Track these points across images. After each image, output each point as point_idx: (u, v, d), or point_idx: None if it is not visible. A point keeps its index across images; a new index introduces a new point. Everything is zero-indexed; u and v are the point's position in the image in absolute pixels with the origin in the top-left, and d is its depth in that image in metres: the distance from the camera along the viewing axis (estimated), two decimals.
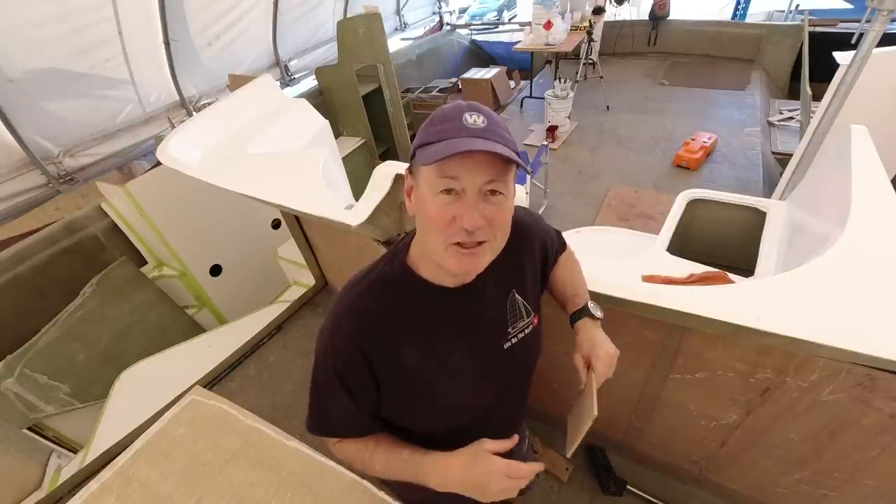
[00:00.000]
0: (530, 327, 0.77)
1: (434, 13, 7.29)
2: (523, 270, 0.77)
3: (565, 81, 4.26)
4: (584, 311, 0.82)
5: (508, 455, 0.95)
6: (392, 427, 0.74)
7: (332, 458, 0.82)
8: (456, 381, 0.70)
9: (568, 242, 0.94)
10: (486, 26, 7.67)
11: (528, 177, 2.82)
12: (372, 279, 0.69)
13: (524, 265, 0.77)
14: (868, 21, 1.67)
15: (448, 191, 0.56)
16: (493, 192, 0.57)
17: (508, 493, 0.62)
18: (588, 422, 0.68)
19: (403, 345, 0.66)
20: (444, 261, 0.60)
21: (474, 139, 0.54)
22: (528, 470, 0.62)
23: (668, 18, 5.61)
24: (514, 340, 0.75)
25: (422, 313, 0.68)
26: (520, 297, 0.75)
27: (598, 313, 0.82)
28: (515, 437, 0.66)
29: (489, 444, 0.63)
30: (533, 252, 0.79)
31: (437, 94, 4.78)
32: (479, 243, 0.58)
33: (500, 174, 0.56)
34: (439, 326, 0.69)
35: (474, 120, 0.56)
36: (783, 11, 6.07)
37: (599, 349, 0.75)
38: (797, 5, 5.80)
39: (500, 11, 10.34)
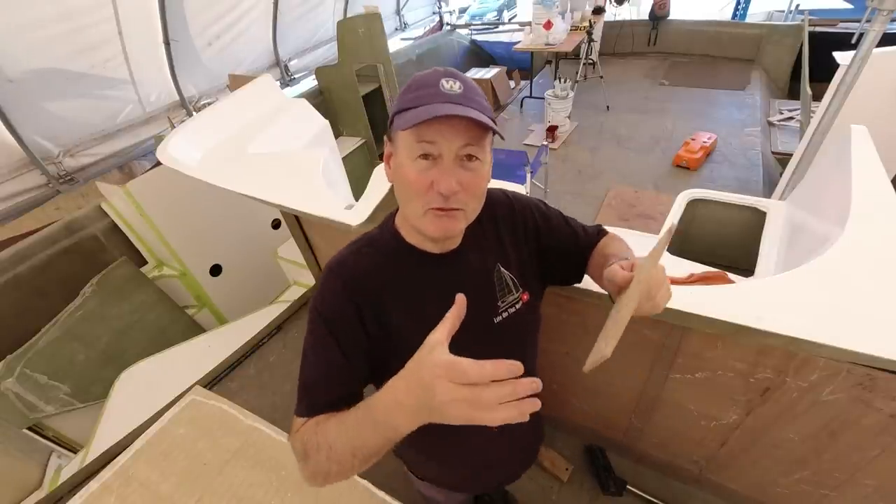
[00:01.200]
0: (520, 303, 0.76)
1: (434, 13, 7.29)
2: (503, 246, 0.77)
3: (565, 81, 4.26)
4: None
5: (526, 444, 0.94)
6: None
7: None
8: None
9: None
10: (486, 26, 7.66)
11: (528, 177, 2.82)
12: (362, 241, 0.72)
13: (504, 241, 0.77)
14: (868, 21, 1.67)
15: (425, 156, 0.58)
16: (470, 157, 0.58)
17: (471, 413, 0.42)
18: (629, 312, 0.53)
19: (391, 305, 0.67)
20: (422, 225, 0.62)
21: (451, 105, 0.55)
22: (477, 372, 0.42)
23: (668, 18, 5.61)
24: (504, 315, 0.75)
25: (408, 276, 0.69)
26: (506, 271, 0.75)
27: None
28: (462, 299, 0.51)
29: (438, 331, 0.48)
30: (515, 230, 0.79)
31: None
32: (454, 209, 0.60)
33: (476, 139, 0.57)
34: (426, 291, 0.69)
35: (451, 86, 0.57)
36: (783, 11, 6.06)
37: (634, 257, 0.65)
38: (797, 5, 5.79)
39: (500, 11, 10.33)
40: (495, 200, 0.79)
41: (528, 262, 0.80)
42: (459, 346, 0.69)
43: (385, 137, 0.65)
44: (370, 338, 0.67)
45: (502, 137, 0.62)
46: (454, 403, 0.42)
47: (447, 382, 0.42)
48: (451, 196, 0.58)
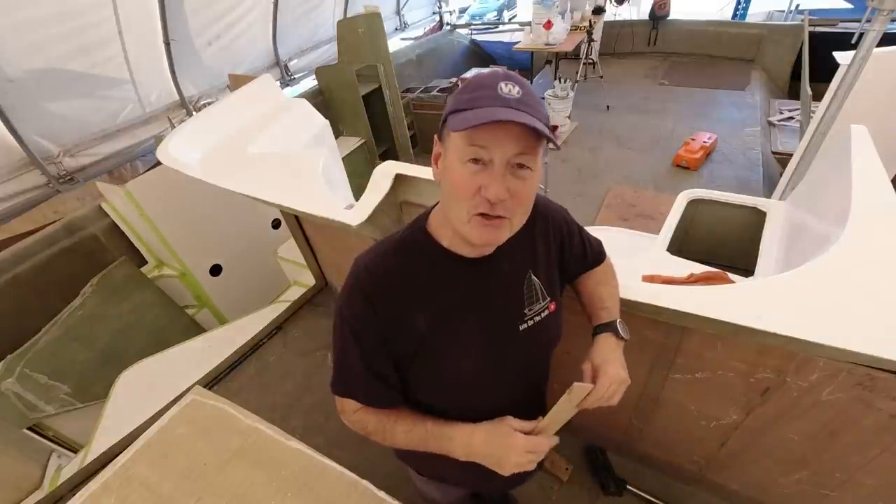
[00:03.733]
0: (546, 311, 0.75)
1: (434, 13, 7.28)
2: (536, 252, 0.76)
3: (565, 81, 4.26)
4: (610, 326, 0.79)
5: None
6: (406, 401, 0.76)
7: (332, 456, 0.82)
8: (464, 351, 0.70)
9: None
10: (486, 26, 7.66)
11: None
12: (390, 242, 0.71)
13: (537, 247, 0.76)
14: (868, 21, 1.67)
15: (476, 160, 0.56)
16: (521, 165, 0.57)
17: (524, 467, 0.66)
18: (560, 423, 0.70)
19: (415, 307, 0.67)
20: (466, 231, 0.61)
21: (507, 109, 0.53)
22: (546, 444, 0.67)
23: (668, 18, 5.61)
24: (530, 322, 0.74)
25: (436, 279, 0.68)
26: (536, 279, 0.74)
27: (625, 334, 0.78)
28: (541, 419, 0.69)
29: (513, 422, 0.68)
30: (547, 236, 0.78)
31: (437, 93, 4.76)
32: (500, 217, 0.59)
33: (530, 147, 0.56)
34: (452, 294, 0.69)
35: (509, 90, 0.55)
36: (783, 11, 6.06)
37: (609, 366, 0.72)
38: (797, 5, 5.79)
39: (500, 11, 10.33)
40: (536, 203, 0.76)
41: (553, 270, 0.79)
42: (476, 345, 0.71)
43: (435, 137, 0.64)
44: (390, 343, 0.68)
45: (557, 147, 0.60)
46: (516, 464, 0.66)
47: (522, 452, 0.65)
48: (497, 203, 0.56)
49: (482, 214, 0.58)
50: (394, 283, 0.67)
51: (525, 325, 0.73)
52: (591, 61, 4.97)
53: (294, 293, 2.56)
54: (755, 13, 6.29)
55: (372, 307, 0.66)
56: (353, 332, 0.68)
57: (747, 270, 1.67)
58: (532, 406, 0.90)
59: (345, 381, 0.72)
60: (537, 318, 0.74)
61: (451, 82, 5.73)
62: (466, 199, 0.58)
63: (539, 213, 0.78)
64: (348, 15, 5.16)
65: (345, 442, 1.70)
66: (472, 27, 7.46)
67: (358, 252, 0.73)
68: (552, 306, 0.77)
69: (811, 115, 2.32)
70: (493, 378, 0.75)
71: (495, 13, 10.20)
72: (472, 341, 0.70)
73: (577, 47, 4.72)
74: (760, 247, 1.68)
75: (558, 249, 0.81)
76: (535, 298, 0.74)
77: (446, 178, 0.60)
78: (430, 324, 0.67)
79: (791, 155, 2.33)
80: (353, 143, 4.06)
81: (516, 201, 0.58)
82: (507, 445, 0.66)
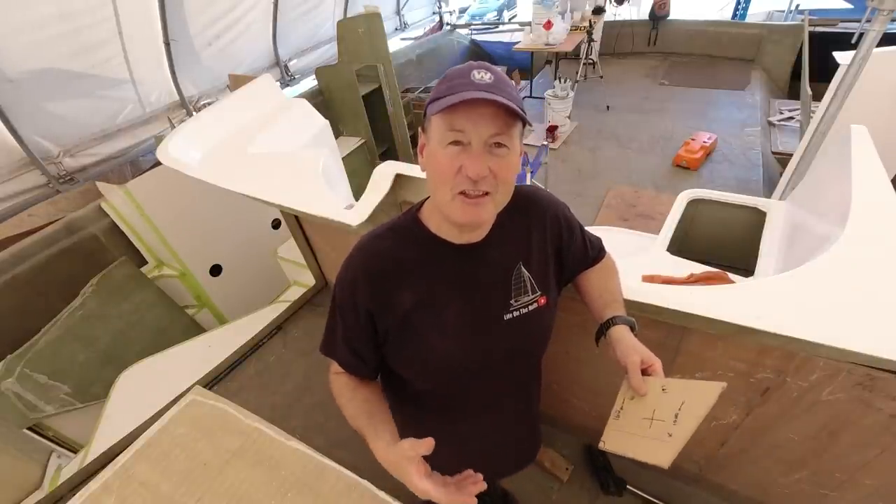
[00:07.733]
0: (534, 304, 0.76)
1: (434, 13, 7.28)
2: (530, 245, 0.77)
3: (565, 81, 4.26)
4: (625, 319, 0.77)
5: (514, 447, 0.98)
6: (394, 378, 0.79)
7: (332, 456, 0.82)
8: (445, 334, 0.72)
9: None
10: (486, 26, 7.66)
11: (528, 176, 2.83)
12: (383, 226, 0.76)
13: (532, 240, 0.77)
14: (868, 21, 1.67)
15: (455, 143, 0.60)
16: (498, 144, 0.60)
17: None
18: (653, 460, 0.66)
19: (402, 289, 0.70)
20: (450, 211, 0.64)
21: (480, 92, 0.57)
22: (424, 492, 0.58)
23: (668, 18, 5.62)
24: (515, 314, 0.75)
25: (424, 262, 0.71)
26: (526, 272, 0.75)
27: (638, 328, 0.77)
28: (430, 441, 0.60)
29: (413, 466, 0.60)
30: (544, 231, 0.78)
31: None
32: (484, 194, 0.62)
33: (505, 127, 0.60)
34: (439, 278, 0.71)
35: (482, 76, 0.60)
36: (783, 11, 6.07)
37: (654, 357, 0.70)
38: (797, 5, 5.80)
39: (500, 11, 10.34)
40: (529, 197, 0.79)
41: (548, 265, 0.79)
42: (459, 332, 0.72)
43: (419, 129, 0.69)
44: (376, 321, 0.71)
45: (530, 125, 0.63)
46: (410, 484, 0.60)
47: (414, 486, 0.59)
48: (479, 180, 0.60)
49: (464, 193, 0.62)
50: (381, 264, 0.71)
51: (510, 316, 0.74)
52: (591, 61, 4.97)
53: (294, 293, 2.56)
54: (755, 13, 6.29)
55: (357, 288, 0.70)
56: (340, 308, 0.74)
57: (747, 270, 1.67)
58: (517, 397, 0.92)
59: (329, 343, 0.78)
60: (524, 311, 0.75)
61: None
62: (449, 180, 0.61)
63: (538, 207, 0.79)
64: (348, 15, 5.16)
65: (345, 442, 1.70)
66: (472, 27, 7.46)
67: None
68: (542, 300, 0.77)
69: (811, 115, 2.32)
70: (477, 364, 0.76)
71: (495, 13, 10.20)
72: (454, 325, 0.72)
73: (577, 47, 4.72)
74: (760, 247, 1.68)
75: (556, 245, 0.81)
76: (524, 290, 0.75)
77: (430, 162, 0.65)
78: (414, 303, 0.70)
79: (791, 155, 2.33)
80: (353, 143, 4.06)
81: (497, 178, 0.62)
82: (400, 473, 0.61)
